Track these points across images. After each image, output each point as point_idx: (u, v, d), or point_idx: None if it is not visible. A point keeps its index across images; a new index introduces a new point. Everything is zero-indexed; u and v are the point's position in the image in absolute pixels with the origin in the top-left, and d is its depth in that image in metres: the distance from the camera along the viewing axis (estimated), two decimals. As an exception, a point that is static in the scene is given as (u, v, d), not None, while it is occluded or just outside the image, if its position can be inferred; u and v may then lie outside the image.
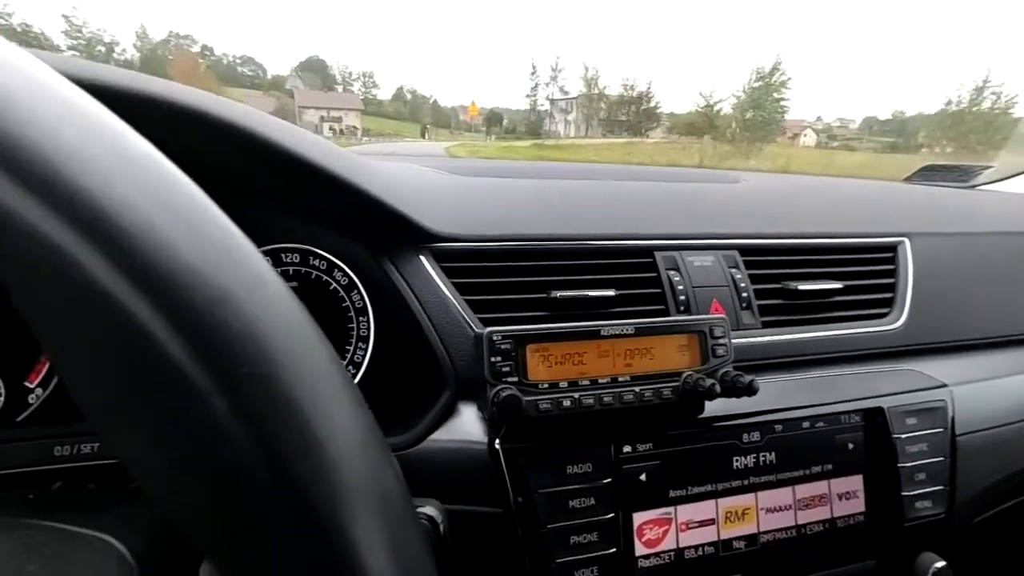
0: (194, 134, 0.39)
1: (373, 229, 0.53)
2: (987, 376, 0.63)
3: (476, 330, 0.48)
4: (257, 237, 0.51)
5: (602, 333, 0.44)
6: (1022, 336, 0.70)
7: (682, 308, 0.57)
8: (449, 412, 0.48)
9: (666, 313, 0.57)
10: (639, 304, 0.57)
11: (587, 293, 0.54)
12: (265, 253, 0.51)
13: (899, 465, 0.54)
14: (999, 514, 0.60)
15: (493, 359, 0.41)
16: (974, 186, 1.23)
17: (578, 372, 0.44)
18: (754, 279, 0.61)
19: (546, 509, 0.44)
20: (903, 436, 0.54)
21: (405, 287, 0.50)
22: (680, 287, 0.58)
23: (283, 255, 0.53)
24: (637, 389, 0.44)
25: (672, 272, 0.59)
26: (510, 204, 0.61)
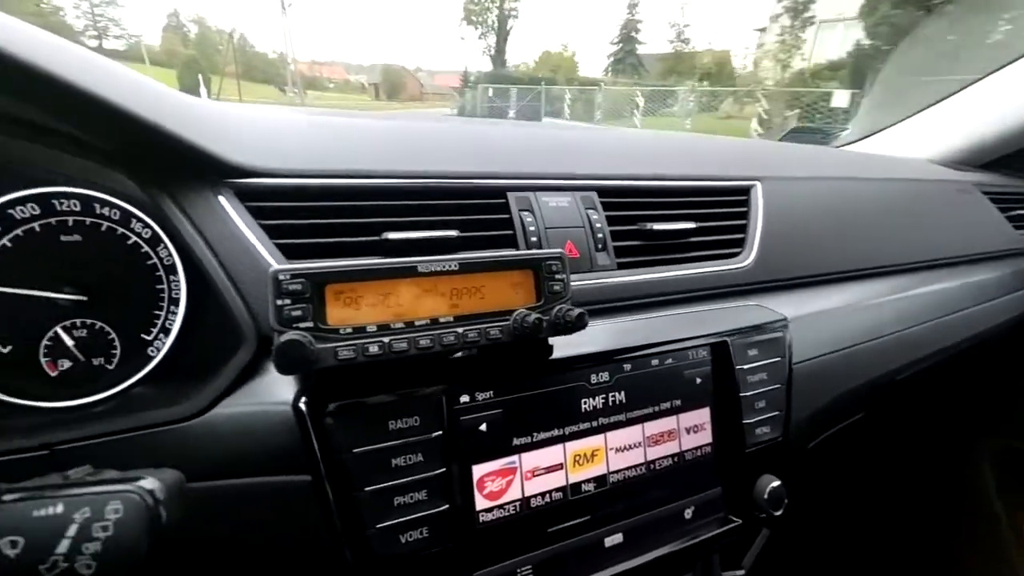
0: None
1: (161, 163, 0.43)
2: (824, 307, 0.67)
3: None
4: (10, 178, 0.40)
5: (420, 270, 0.39)
6: (856, 272, 0.76)
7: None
8: (250, 373, 0.41)
9: None
10: (487, 247, 0.52)
11: (425, 234, 0.49)
12: (24, 201, 0.40)
13: (741, 394, 0.55)
14: (827, 439, 0.65)
15: (280, 302, 0.35)
16: (834, 146, 1.34)
17: (394, 314, 0.39)
18: (611, 220, 0.59)
19: (363, 470, 0.39)
20: (745, 367, 0.56)
21: (193, 234, 0.41)
22: (532, 228, 0.54)
23: (56, 202, 0.42)
24: (460, 330, 0.40)
25: (525, 213, 0.55)
26: (341, 138, 0.54)
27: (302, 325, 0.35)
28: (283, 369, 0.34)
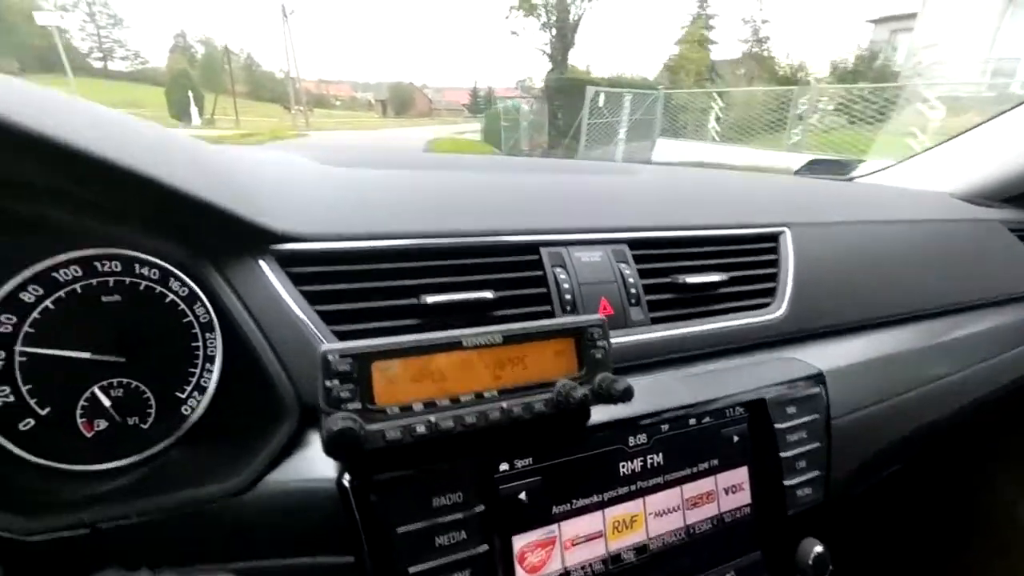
0: None
1: (204, 230, 0.44)
2: (860, 358, 0.66)
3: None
4: (55, 241, 0.41)
5: (464, 344, 0.39)
6: (887, 318, 0.75)
7: (568, 308, 0.53)
8: (293, 446, 0.41)
9: (551, 314, 0.53)
10: (522, 306, 0.52)
11: (463, 296, 0.49)
12: (68, 264, 0.40)
13: (781, 455, 0.54)
14: (868, 492, 0.63)
15: (329, 383, 0.35)
16: (852, 178, 1.33)
17: (439, 390, 0.38)
18: (643, 274, 0.59)
19: (408, 551, 0.38)
20: (783, 426, 0.55)
21: (233, 299, 0.42)
22: (566, 285, 0.54)
23: (98, 263, 0.42)
24: (505, 405, 0.39)
25: (558, 269, 0.55)
26: (375, 197, 0.54)
27: (350, 406, 0.35)
28: (334, 455, 0.33)
